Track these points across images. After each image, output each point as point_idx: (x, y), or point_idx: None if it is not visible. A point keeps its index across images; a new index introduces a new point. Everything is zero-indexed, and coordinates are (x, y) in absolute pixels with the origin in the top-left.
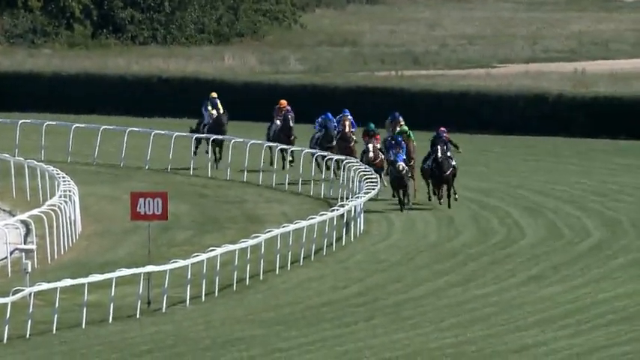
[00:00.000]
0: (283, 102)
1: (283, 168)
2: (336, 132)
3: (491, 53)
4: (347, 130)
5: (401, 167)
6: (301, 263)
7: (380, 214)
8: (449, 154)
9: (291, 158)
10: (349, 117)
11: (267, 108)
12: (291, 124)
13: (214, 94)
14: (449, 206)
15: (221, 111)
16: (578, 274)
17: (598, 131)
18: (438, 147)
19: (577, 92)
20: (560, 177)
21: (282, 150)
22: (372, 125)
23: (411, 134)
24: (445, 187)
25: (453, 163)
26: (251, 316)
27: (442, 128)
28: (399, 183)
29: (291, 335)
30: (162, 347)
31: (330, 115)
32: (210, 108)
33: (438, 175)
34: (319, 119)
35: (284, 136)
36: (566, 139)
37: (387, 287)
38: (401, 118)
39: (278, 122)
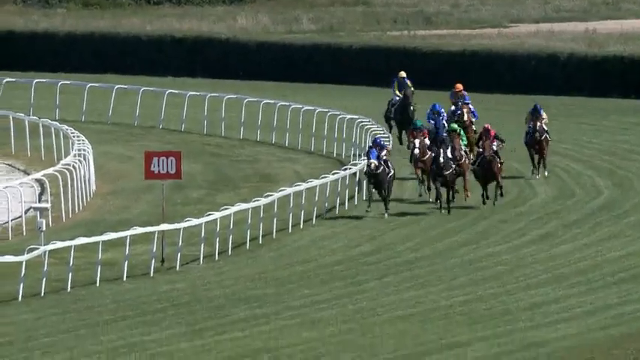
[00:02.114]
0: (459, 86)
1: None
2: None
3: (503, 13)
4: (466, 118)
5: (372, 166)
6: (314, 222)
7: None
8: (449, 154)
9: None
10: (470, 105)
11: (279, 67)
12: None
13: (403, 74)
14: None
15: (409, 90)
16: (588, 233)
17: (609, 90)
18: (441, 149)
19: (588, 52)
20: (571, 136)
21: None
22: (420, 122)
23: (462, 132)
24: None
25: (455, 163)
26: (264, 274)
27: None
28: (370, 179)
29: (304, 293)
30: (176, 305)
31: (437, 105)
32: (396, 89)
33: (440, 178)
34: (428, 112)
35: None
36: (577, 98)
37: (398, 246)
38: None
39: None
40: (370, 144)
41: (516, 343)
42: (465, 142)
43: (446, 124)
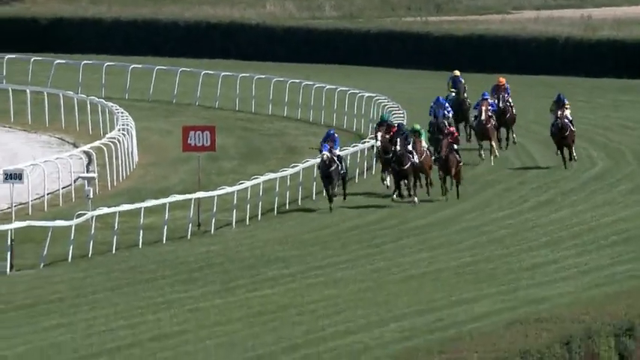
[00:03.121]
0: (502, 80)
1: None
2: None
3: (507, 0)
4: (484, 116)
5: (325, 157)
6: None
7: None
8: (410, 147)
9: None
10: (489, 100)
11: (304, 50)
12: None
13: (457, 73)
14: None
15: (463, 89)
16: (584, 200)
17: (603, 71)
18: (398, 140)
19: (584, 36)
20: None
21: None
22: (386, 116)
23: (422, 133)
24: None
25: (414, 159)
26: (290, 238)
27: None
28: (321, 173)
29: (327, 254)
30: (210, 265)
31: (440, 98)
32: (450, 86)
33: (398, 170)
34: (432, 104)
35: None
36: (574, 78)
37: (410, 213)
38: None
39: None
40: (324, 136)
41: (519, 300)
42: (427, 141)
43: (449, 116)
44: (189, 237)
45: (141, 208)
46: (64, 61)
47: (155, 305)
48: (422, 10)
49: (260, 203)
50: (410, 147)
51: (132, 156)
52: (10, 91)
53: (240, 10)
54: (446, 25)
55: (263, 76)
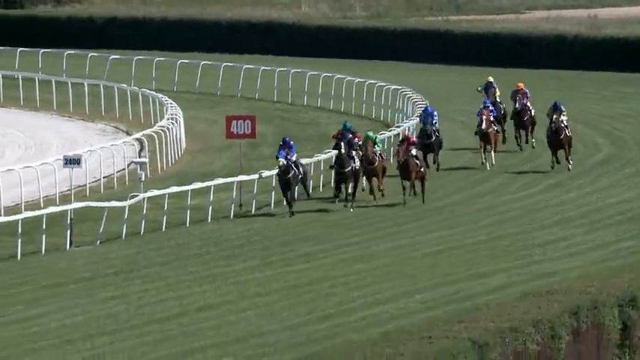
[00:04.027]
0: (520, 85)
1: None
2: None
3: (520, 1)
4: (484, 126)
5: (281, 164)
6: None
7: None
8: (353, 153)
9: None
10: (490, 107)
11: (336, 47)
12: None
13: (490, 79)
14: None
15: (496, 95)
16: (590, 183)
17: (608, 66)
18: (342, 143)
19: (591, 34)
20: (576, 103)
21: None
22: (349, 124)
23: (376, 139)
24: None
25: (355, 163)
26: (323, 217)
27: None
28: (280, 181)
29: (354, 233)
30: (251, 242)
31: (429, 107)
32: (483, 91)
33: (338, 172)
34: (422, 113)
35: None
36: (582, 72)
37: (431, 195)
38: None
39: (517, 105)
40: (281, 143)
41: (531, 274)
42: (380, 147)
43: (437, 125)
44: (231, 217)
45: (188, 190)
46: (118, 57)
47: (201, 278)
48: (443, 10)
49: (322, 176)
50: (353, 152)
51: (180, 143)
52: (70, 84)
53: (277, 10)
54: (465, 23)
55: (299, 71)
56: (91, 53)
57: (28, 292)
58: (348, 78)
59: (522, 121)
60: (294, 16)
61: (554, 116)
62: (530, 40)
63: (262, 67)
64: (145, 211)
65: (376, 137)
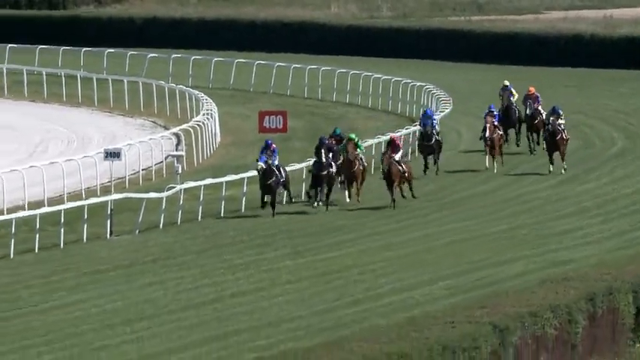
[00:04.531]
0: (532, 89)
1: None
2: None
3: (539, 2)
4: (488, 134)
5: (259, 167)
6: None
7: (451, 127)
8: (330, 160)
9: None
10: (494, 112)
11: (364, 45)
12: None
13: (507, 82)
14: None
15: (513, 98)
16: (606, 175)
17: (623, 64)
18: (322, 151)
19: (606, 33)
20: (592, 100)
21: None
22: (339, 130)
23: (358, 141)
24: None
25: (332, 169)
26: (351, 208)
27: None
28: (261, 184)
29: (380, 223)
30: (282, 231)
31: (428, 110)
32: (500, 95)
33: (316, 175)
34: (421, 116)
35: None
36: (597, 70)
37: (456, 186)
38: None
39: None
40: (262, 147)
41: (549, 261)
42: (362, 150)
43: (437, 128)
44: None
45: (223, 182)
46: (156, 55)
47: (235, 266)
48: (465, 10)
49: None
50: (330, 158)
51: (215, 137)
52: (110, 81)
53: (309, 10)
54: (486, 23)
55: (328, 68)
56: (131, 52)
57: (70, 279)
58: (375, 75)
59: (534, 124)
60: (324, 16)
61: (552, 119)
62: (548, 40)
63: (293, 65)
64: (181, 202)
65: (358, 140)
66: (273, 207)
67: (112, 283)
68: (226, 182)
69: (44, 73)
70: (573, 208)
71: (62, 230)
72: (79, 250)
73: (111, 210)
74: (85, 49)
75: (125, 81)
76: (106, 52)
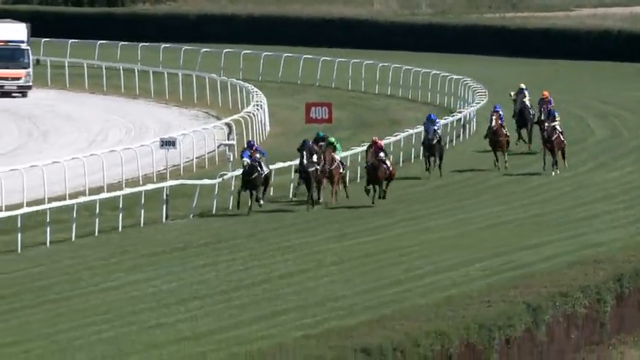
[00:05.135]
0: (545, 93)
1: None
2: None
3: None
4: (494, 124)
5: (245, 163)
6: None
7: (485, 117)
8: (313, 160)
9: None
10: (499, 112)
11: (405, 40)
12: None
13: (522, 85)
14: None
15: (526, 100)
16: (632, 163)
17: None
18: (304, 153)
19: (633, 29)
20: (622, 92)
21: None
22: (321, 134)
23: (337, 145)
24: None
25: (318, 167)
26: (391, 193)
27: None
28: (243, 179)
29: (418, 208)
30: (326, 215)
31: (432, 115)
32: (514, 96)
33: (307, 178)
34: (425, 121)
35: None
36: (624, 63)
37: (490, 174)
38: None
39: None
40: (245, 146)
41: (579, 244)
42: (340, 153)
43: (438, 132)
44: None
45: (271, 169)
46: (209, 50)
47: (283, 249)
48: (500, 7)
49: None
50: (314, 158)
51: (264, 127)
52: (166, 74)
53: (352, 8)
54: (519, 20)
55: (371, 62)
56: (185, 47)
57: (128, 261)
58: (415, 69)
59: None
60: (367, 12)
61: (546, 124)
62: (578, 35)
63: (338, 59)
64: (232, 188)
65: (337, 143)
66: (258, 200)
67: (168, 264)
68: (275, 170)
69: (104, 66)
70: (601, 194)
71: (120, 215)
72: (137, 233)
73: (166, 196)
74: (142, 44)
75: (180, 74)
76: (162, 47)
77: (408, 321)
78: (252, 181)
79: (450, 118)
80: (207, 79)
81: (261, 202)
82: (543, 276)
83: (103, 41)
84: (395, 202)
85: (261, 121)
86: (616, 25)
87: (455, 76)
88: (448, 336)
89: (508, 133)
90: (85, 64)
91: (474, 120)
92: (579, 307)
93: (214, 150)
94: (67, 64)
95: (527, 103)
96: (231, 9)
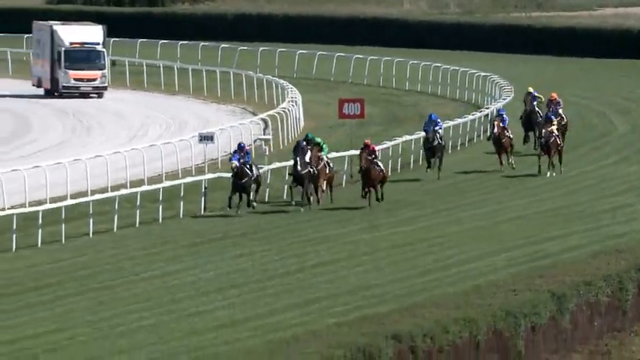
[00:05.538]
0: (554, 95)
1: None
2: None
3: None
4: (496, 130)
5: (234, 166)
6: (458, 148)
7: (511, 114)
8: (307, 159)
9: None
10: (503, 116)
11: (435, 38)
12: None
13: (531, 89)
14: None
15: (534, 103)
16: None
17: None
18: (298, 156)
19: None
20: None
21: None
22: (310, 135)
23: (324, 146)
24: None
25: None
26: (422, 186)
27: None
28: (233, 184)
29: (448, 200)
30: (359, 208)
31: (433, 115)
32: (524, 99)
33: (298, 178)
34: (426, 121)
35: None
36: None
37: (517, 167)
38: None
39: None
40: (236, 148)
41: (601, 235)
42: (326, 153)
43: (439, 132)
44: (343, 185)
45: (261, 172)
46: (245, 48)
47: (316, 239)
48: (526, 7)
49: (400, 159)
50: (307, 158)
51: (299, 122)
52: (204, 71)
53: (383, 8)
54: (544, 19)
55: (402, 60)
56: (223, 45)
57: (168, 251)
58: (444, 66)
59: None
60: (397, 12)
61: (544, 130)
62: (600, 34)
63: (370, 57)
64: (268, 181)
65: (323, 144)
66: (249, 205)
67: (206, 254)
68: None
69: (144, 64)
70: (623, 187)
71: (161, 207)
72: (176, 224)
73: (205, 188)
74: (181, 42)
75: (217, 71)
76: (200, 45)
77: (438, 308)
78: (242, 185)
79: (478, 114)
80: (244, 76)
81: (254, 204)
82: (567, 265)
83: (144, 40)
84: (424, 194)
85: (295, 116)
86: (637, 24)
87: (482, 73)
88: (476, 323)
89: (511, 136)
90: (127, 62)
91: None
92: (602, 295)
93: (251, 144)
94: (108, 62)
95: (536, 106)
96: (267, 9)
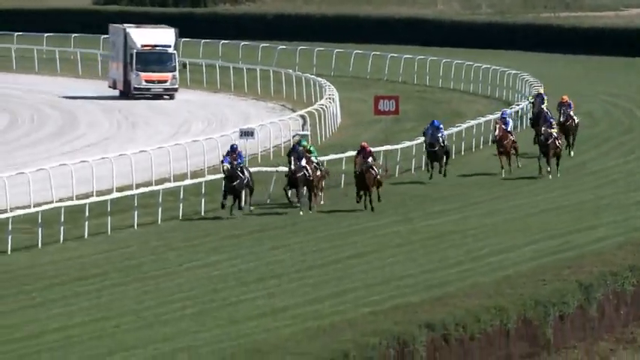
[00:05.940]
0: (565, 97)
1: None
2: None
3: (619, 0)
4: (497, 132)
5: (225, 168)
6: (489, 144)
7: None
8: (304, 162)
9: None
10: (506, 118)
11: (467, 38)
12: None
13: (541, 90)
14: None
15: (544, 106)
16: None
17: None
18: (292, 157)
19: None
20: None
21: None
22: (304, 141)
23: (313, 149)
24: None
25: (307, 171)
26: (451, 181)
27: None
28: (225, 186)
29: (480, 193)
30: (391, 201)
31: (435, 121)
32: (531, 99)
33: (293, 181)
34: (428, 126)
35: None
36: None
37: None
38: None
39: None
40: (228, 150)
41: (628, 227)
42: (316, 156)
43: (441, 138)
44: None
45: (343, 157)
46: (284, 47)
47: (351, 232)
48: (555, 7)
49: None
50: (303, 162)
51: (336, 118)
52: (245, 69)
53: (417, 8)
54: (573, 19)
55: (435, 58)
56: (263, 44)
57: (209, 243)
58: (476, 64)
59: (567, 126)
60: (431, 13)
61: (544, 128)
62: (627, 33)
63: (404, 56)
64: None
65: (312, 147)
66: (240, 208)
67: (246, 246)
68: (346, 157)
69: (187, 62)
70: None
71: (203, 200)
72: (218, 216)
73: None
74: (222, 41)
75: (258, 69)
76: (241, 44)
77: (469, 298)
78: (234, 188)
79: (508, 111)
80: (283, 74)
81: (251, 208)
82: (594, 256)
83: (187, 39)
84: (458, 187)
85: (332, 113)
86: None
87: (513, 72)
88: (506, 312)
89: (515, 139)
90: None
91: (530, 112)
92: (628, 285)
93: (289, 140)
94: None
95: (545, 108)
96: (305, 9)
